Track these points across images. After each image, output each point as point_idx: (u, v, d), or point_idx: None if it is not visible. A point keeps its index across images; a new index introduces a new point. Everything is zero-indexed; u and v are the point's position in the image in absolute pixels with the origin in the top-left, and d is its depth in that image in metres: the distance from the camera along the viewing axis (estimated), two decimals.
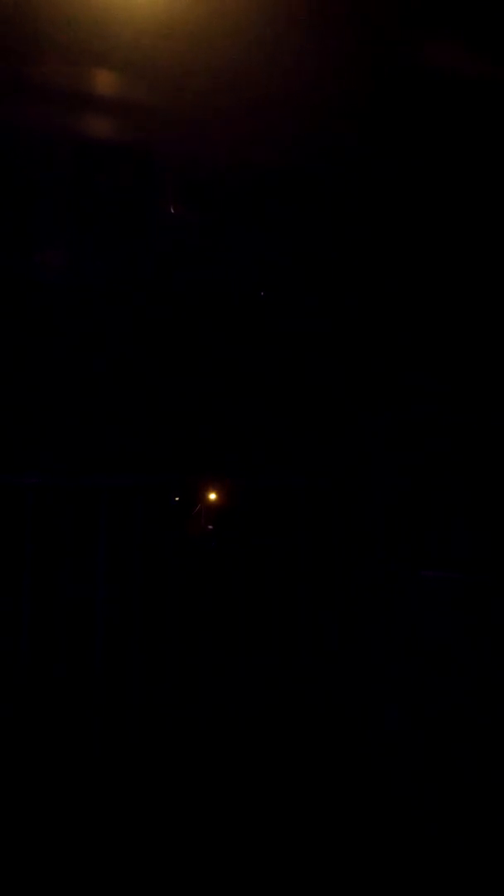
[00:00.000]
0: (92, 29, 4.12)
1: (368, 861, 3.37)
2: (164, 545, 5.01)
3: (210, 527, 5.34)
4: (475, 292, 4.67)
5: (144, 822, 3.73)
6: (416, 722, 4.15)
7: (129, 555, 4.91)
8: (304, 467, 5.16)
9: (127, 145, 4.69)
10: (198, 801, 3.96)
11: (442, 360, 4.77)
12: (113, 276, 4.84)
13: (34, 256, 4.88)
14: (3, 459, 4.86)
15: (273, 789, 4.05)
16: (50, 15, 4.04)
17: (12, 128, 4.63)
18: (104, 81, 4.38)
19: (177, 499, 5.35)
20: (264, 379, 5.19)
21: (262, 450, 5.22)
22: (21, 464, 4.86)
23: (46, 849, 3.48)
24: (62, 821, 3.73)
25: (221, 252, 4.84)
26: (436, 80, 3.57)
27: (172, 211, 4.82)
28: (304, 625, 4.95)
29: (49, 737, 4.40)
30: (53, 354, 4.97)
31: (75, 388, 5.01)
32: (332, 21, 3.49)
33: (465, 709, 3.80)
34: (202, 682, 4.76)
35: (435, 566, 4.75)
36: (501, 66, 3.42)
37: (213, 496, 5.37)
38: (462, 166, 4.15)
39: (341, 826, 3.67)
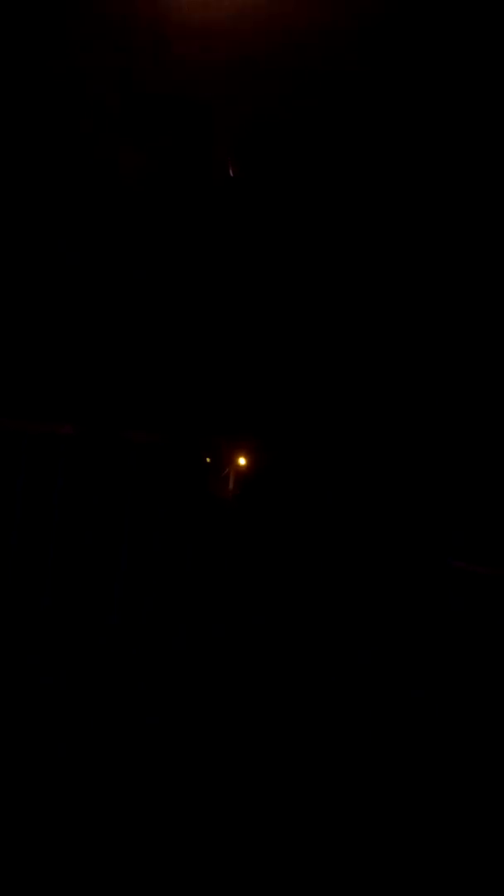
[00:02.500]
0: None
1: None
2: (188, 502, 5.04)
3: (236, 490, 5.36)
4: None
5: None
6: None
7: (153, 507, 4.93)
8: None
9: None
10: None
11: None
12: (162, 236, 4.77)
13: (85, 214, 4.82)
14: (39, 409, 4.85)
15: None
16: None
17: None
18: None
19: (207, 459, 5.35)
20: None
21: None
22: (56, 415, 4.85)
23: None
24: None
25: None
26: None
27: (231, 174, 4.74)
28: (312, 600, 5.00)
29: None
30: (101, 310, 4.92)
31: (118, 347, 4.97)
32: None
33: None
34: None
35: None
36: None
37: (241, 462, 5.37)
38: None
39: None
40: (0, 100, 4.46)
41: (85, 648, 4.60)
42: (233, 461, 5.36)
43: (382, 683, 4.55)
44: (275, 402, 5.26)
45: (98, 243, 4.93)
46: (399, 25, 3.82)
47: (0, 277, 4.83)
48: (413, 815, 3.53)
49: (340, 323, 5.13)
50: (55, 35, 4.33)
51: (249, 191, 4.77)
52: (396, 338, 5.09)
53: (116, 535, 4.86)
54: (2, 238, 4.80)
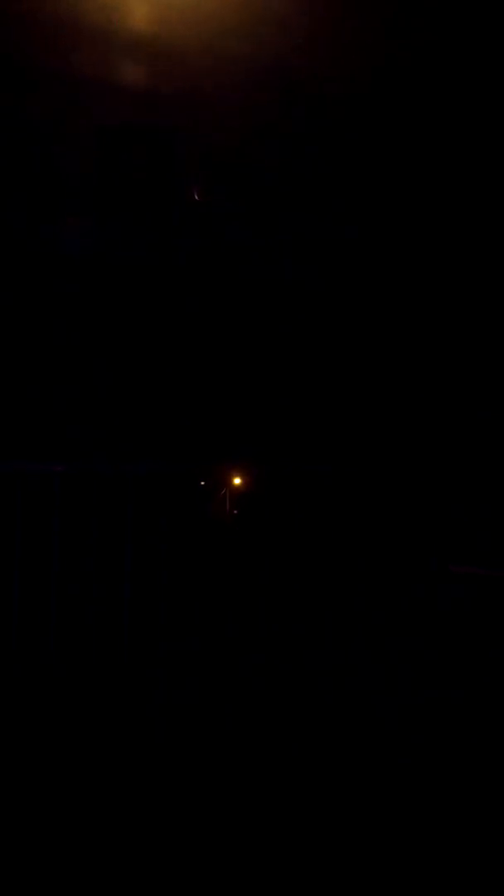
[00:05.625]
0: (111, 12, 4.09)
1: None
2: (189, 530, 5.08)
3: (234, 511, 5.40)
4: None
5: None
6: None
7: (154, 540, 4.99)
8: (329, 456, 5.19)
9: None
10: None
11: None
12: (143, 267, 4.83)
13: (62, 246, 4.89)
14: (33, 447, 4.93)
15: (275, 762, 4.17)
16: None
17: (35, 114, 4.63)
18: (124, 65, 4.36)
19: (202, 483, 5.40)
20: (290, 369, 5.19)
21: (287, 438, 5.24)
22: (49, 452, 4.92)
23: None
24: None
25: (249, 241, 4.82)
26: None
27: (196, 197, 4.79)
28: (323, 613, 5.02)
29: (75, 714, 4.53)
30: (84, 344, 5.00)
31: (103, 380, 5.05)
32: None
33: None
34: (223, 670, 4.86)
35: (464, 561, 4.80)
36: None
37: (236, 482, 5.41)
38: None
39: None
40: None
41: (96, 674, 4.68)
42: (229, 482, 5.41)
43: (384, 688, 4.59)
44: (266, 415, 5.31)
45: (81, 276, 5.02)
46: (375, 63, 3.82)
47: None
48: (414, 822, 3.58)
49: (326, 335, 5.17)
50: None
51: (224, 219, 4.82)
52: (388, 346, 5.13)
53: (118, 565, 4.93)
54: None
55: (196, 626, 4.91)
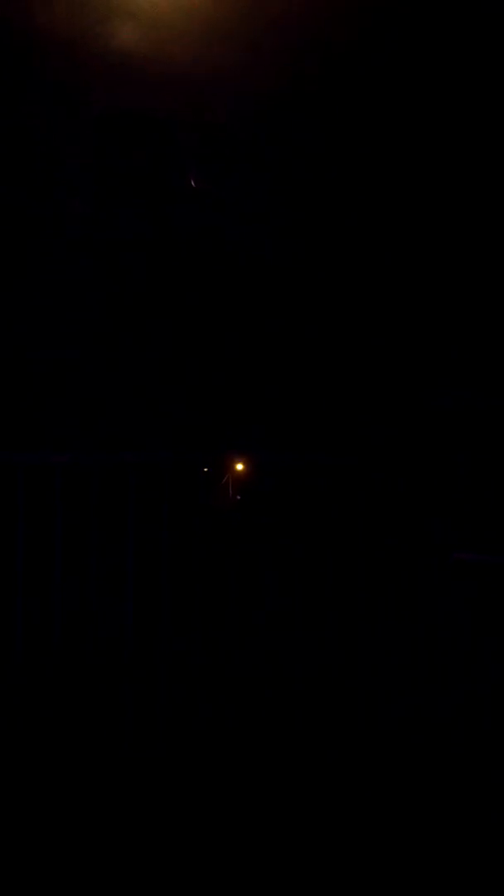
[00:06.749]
0: None
1: None
2: (190, 520, 5.06)
3: (237, 497, 5.37)
4: None
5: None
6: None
7: (156, 530, 4.96)
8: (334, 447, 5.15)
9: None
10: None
11: (477, 347, 4.70)
12: (142, 255, 4.77)
13: (61, 232, 4.83)
14: (34, 438, 4.90)
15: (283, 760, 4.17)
16: None
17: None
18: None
19: (205, 470, 5.36)
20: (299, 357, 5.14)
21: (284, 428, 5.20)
22: (51, 443, 4.90)
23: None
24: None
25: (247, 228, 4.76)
26: None
27: (193, 184, 4.72)
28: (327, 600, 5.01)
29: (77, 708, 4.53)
30: (83, 333, 4.95)
31: (104, 368, 5.00)
32: None
33: None
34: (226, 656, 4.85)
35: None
36: None
37: (238, 470, 5.37)
38: None
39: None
40: None
41: (98, 668, 4.69)
42: (231, 470, 5.37)
43: (386, 683, 4.59)
44: (270, 405, 5.27)
45: (79, 263, 4.97)
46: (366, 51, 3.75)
47: None
48: (415, 821, 3.58)
49: (333, 323, 5.12)
50: None
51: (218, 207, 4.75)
52: (392, 336, 5.08)
53: (121, 554, 4.91)
54: None
55: (198, 617, 4.90)
